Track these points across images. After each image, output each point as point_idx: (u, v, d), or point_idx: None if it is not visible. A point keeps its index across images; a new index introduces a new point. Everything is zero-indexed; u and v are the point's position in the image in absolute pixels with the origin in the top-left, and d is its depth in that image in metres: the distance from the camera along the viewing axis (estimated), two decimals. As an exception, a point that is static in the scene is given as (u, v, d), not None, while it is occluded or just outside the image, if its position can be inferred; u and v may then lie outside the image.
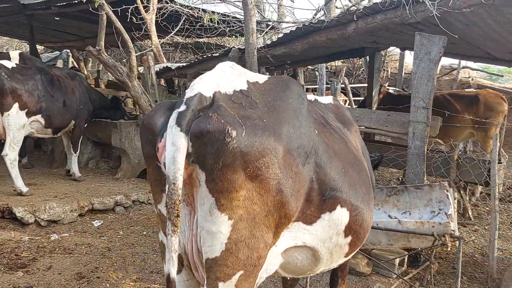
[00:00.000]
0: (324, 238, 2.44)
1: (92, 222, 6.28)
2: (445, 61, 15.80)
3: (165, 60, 8.57)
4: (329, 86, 11.83)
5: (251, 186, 2.00)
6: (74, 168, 7.54)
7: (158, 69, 7.55)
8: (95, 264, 4.79)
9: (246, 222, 2.01)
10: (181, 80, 11.31)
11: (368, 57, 9.54)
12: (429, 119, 4.80)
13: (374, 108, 7.92)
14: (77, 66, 11.98)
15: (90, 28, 10.64)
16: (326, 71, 13.41)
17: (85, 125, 7.47)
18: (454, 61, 14.88)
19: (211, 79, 2.14)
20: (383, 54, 13.27)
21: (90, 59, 12.58)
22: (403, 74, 15.16)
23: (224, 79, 2.19)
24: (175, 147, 1.88)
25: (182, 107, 1.97)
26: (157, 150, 2.01)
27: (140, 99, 6.56)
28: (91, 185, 7.33)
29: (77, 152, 7.50)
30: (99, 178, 7.99)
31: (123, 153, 7.95)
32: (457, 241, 3.90)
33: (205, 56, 7.00)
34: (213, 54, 6.83)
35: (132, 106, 9.96)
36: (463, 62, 13.99)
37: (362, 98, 12.25)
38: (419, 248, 4.48)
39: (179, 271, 2.17)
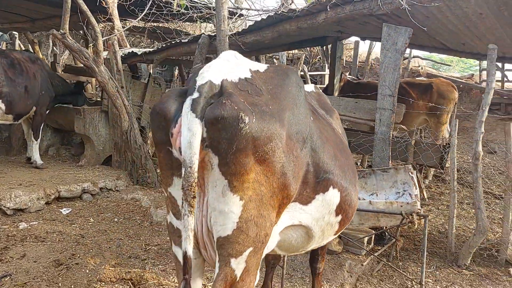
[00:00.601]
0: (318, 217, 2.63)
1: (60, 210, 6.17)
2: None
3: (128, 45, 8.41)
4: (289, 73, 12.07)
5: (259, 169, 2.13)
6: (36, 156, 7.32)
7: (122, 54, 7.42)
8: (71, 251, 4.75)
9: (254, 203, 2.15)
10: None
11: (326, 46, 9.83)
12: (395, 106, 5.11)
13: (335, 96, 8.20)
14: (23, 48, 11.42)
15: (41, 9, 10.16)
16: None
17: (47, 111, 7.25)
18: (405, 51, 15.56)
19: (218, 68, 2.25)
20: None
21: (43, 42, 12.02)
22: (357, 62, 15.68)
23: (229, 67, 2.30)
24: (191, 133, 1.98)
25: (195, 94, 2.06)
26: (171, 136, 2.09)
27: (107, 84, 6.45)
28: (54, 173, 7.15)
29: (38, 140, 7.28)
30: (62, 166, 7.80)
31: (87, 140, 7.79)
32: (423, 219, 4.24)
33: (173, 42, 6.97)
34: (182, 40, 6.81)
35: (92, 92, 9.72)
36: (414, 52, 14.68)
37: (322, 86, 12.60)
38: (385, 227, 4.82)
39: (187, 251, 2.27)
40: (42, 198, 6.12)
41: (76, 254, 4.69)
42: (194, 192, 1.99)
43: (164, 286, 4.19)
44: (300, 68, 12.27)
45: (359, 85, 9.04)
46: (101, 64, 6.39)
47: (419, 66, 16.01)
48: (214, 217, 2.14)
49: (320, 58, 16.05)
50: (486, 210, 6.89)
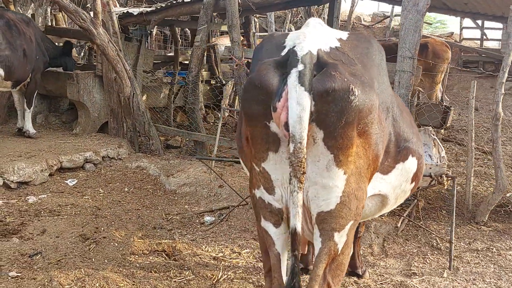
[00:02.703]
0: (396, 185, 2.62)
1: (65, 181, 5.94)
2: (378, 8, 16.43)
3: (117, 5, 7.93)
4: (276, 33, 11.81)
5: (359, 142, 2.08)
6: (28, 125, 6.93)
7: (116, 15, 6.99)
8: (93, 225, 4.61)
9: (355, 176, 2.11)
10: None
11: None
12: (414, 68, 5.10)
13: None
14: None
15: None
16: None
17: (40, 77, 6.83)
18: (387, 9, 15.48)
19: (312, 36, 2.14)
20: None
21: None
22: (339, 22, 15.49)
23: (319, 36, 2.20)
24: (301, 107, 1.89)
25: (300, 66, 1.96)
26: (274, 110, 1.98)
27: (107, 48, 6.10)
28: (51, 142, 6.82)
29: (32, 108, 6.89)
30: (55, 134, 7.45)
31: (81, 106, 7.42)
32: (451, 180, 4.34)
33: (174, 1, 6.59)
34: (184, 0, 6.46)
35: (77, 55, 9.21)
36: (396, 10, 14.66)
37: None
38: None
39: (278, 224, 2.23)
40: (46, 169, 5.86)
41: (99, 228, 4.56)
42: (304, 168, 1.93)
43: (199, 256, 4.15)
44: (287, 27, 12.03)
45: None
46: (99, 26, 6.01)
47: (399, 24, 16.02)
48: (315, 191, 2.09)
49: (302, 16, 15.76)
50: (480, 166, 7.16)
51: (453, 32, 15.88)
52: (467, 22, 14.01)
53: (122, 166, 6.63)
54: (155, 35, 14.66)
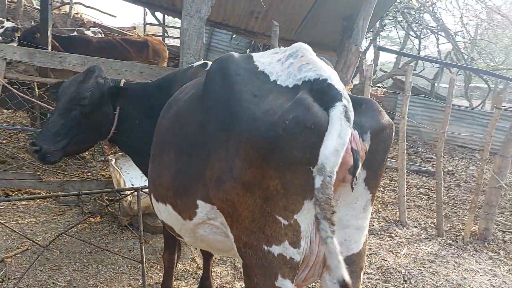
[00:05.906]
0: None
1: None
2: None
3: None
4: None
5: None
6: None
7: None
8: None
9: None
10: None
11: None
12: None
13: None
14: None
15: None
16: None
17: None
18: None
19: (329, 67, 1.95)
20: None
21: None
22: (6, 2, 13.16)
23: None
24: (342, 141, 1.67)
25: (345, 101, 1.77)
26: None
27: None
28: None
29: None
30: None
31: None
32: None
33: None
34: None
35: None
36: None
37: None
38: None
39: (294, 279, 1.95)
40: None
41: None
42: (332, 206, 1.66)
43: None
44: None
45: (72, 41, 7.95)
46: None
47: (77, 13, 14.95)
48: (346, 235, 1.98)
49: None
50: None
51: (136, 27, 16.23)
52: (150, 18, 14.60)
53: None
54: None
